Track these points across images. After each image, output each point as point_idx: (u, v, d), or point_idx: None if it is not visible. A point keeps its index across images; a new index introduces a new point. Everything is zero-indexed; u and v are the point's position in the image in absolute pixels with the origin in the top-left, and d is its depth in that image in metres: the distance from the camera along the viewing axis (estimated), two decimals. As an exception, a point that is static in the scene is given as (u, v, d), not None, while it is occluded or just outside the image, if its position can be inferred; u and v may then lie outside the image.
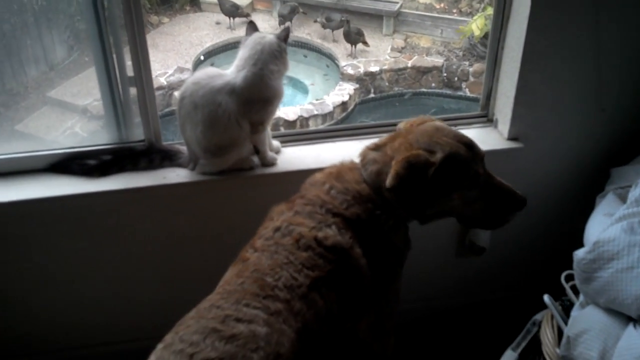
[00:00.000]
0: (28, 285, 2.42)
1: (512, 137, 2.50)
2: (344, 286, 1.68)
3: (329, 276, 1.65)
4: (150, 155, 2.33)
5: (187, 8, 10.07)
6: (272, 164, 2.35)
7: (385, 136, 1.88)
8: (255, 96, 2.17)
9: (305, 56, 9.24)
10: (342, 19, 8.93)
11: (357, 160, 1.87)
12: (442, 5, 9.71)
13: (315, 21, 8.92)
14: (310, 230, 1.70)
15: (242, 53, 2.23)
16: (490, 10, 7.83)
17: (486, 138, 2.54)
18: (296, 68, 8.99)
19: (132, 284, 2.52)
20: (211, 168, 2.29)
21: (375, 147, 1.84)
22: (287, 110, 7.25)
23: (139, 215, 2.37)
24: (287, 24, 2.12)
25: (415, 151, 1.73)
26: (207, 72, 2.23)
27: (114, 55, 2.27)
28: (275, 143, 2.44)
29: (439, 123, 1.89)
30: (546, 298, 2.32)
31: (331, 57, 8.92)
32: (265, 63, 2.18)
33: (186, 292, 2.53)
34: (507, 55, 2.45)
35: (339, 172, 1.82)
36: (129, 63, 2.26)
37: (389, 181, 1.70)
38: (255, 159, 2.34)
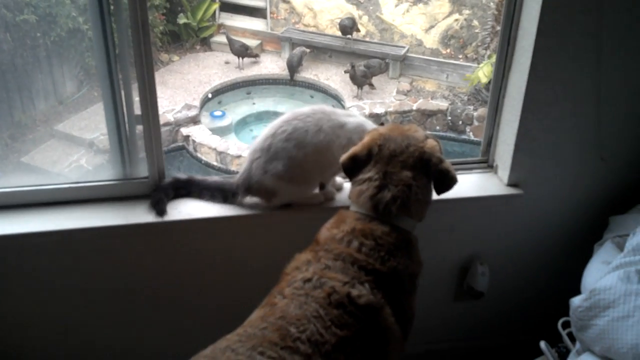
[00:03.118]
0: (27, 317, 2.42)
1: (511, 184, 2.52)
2: (370, 347, 1.67)
3: (357, 336, 1.64)
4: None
5: (197, 47, 10.25)
6: (332, 198, 2.40)
7: (363, 176, 1.87)
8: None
9: (312, 97, 9.36)
10: (385, 62, 9.24)
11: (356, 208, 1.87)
12: (448, 50, 9.85)
13: (346, 71, 9.03)
14: (344, 285, 1.68)
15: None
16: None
17: (486, 184, 2.56)
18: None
19: (133, 319, 2.52)
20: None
21: (379, 187, 1.82)
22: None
23: (140, 251, 2.38)
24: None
25: (433, 144, 1.89)
26: (330, 109, 2.30)
27: (122, 92, 2.31)
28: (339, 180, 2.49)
29: (384, 128, 1.96)
30: (542, 344, 2.32)
31: (337, 98, 9.03)
32: None
33: (189, 332, 2.54)
34: (508, 104, 2.49)
35: (362, 229, 1.79)
36: (136, 99, 2.30)
37: (447, 188, 1.88)
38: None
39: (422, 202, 1.87)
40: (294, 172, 2.20)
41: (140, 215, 2.30)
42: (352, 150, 1.91)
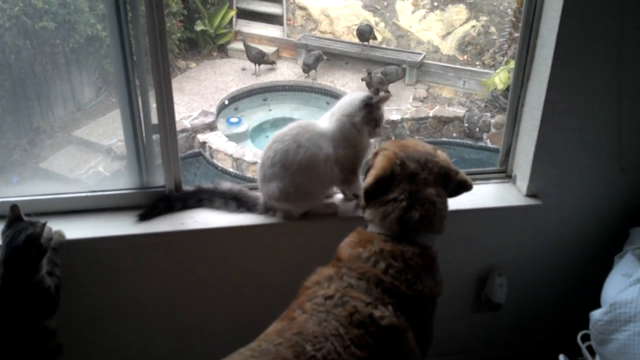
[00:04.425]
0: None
1: (530, 194, 2.50)
2: None
3: (376, 358, 1.60)
4: (227, 200, 2.40)
5: (214, 54, 10.29)
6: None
7: (386, 198, 1.81)
8: (346, 140, 2.20)
9: (328, 103, 9.34)
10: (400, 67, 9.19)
11: (378, 229, 1.83)
12: (465, 57, 9.81)
13: (363, 79, 9.01)
14: (366, 306, 1.64)
15: (333, 109, 2.29)
16: (513, 64, 7.88)
17: (504, 194, 2.54)
18: (318, 114, 9.09)
19: (146, 329, 2.52)
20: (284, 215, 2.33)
21: (406, 208, 1.77)
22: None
23: (156, 259, 2.38)
24: (382, 93, 2.11)
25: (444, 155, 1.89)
26: (306, 122, 2.29)
27: (139, 100, 2.31)
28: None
29: (393, 146, 1.91)
30: (562, 358, 2.29)
31: (353, 105, 9.00)
32: (351, 115, 2.21)
33: (203, 342, 2.53)
34: (527, 113, 2.46)
35: (392, 251, 1.75)
36: (153, 106, 2.30)
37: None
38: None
39: (444, 217, 1.85)
40: (288, 192, 2.20)
41: (156, 224, 2.30)
42: (374, 174, 1.84)
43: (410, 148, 1.88)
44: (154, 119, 2.31)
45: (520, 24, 2.43)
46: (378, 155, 1.91)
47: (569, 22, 2.21)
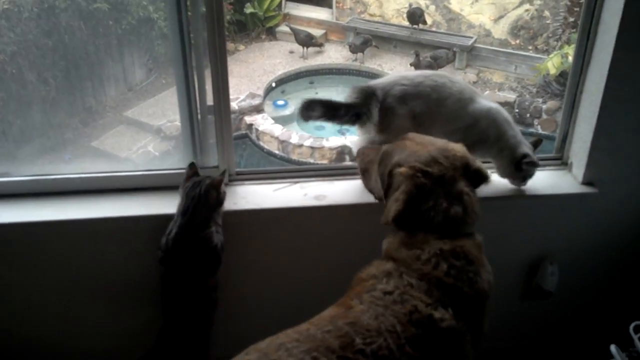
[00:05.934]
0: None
1: (586, 182, 2.45)
2: None
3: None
4: None
5: (263, 37, 10.34)
6: None
7: (425, 206, 1.72)
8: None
9: (376, 87, 9.30)
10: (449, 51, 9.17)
11: None
12: (517, 41, 9.63)
13: (411, 64, 8.95)
14: (427, 306, 1.60)
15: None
16: (567, 49, 7.71)
17: (560, 181, 2.50)
18: (366, 98, 9.06)
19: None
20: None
21: (447, 208, 1.72)
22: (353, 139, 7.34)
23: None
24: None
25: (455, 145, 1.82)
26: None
27: (196, 82, 2.34)
28: None
29: (406, 153, 1.82)
30: (613, 348, 2.26)
31: (401, 89, 8.95)
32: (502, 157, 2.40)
33: (250, 319, 2.57)
34: (585, 100, 2.41)
35: (452, 249, 1.68)
36: (207, 87, 2.33)
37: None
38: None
39: (479, 202, 1.79)
40: (424, 120, 2.22)
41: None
42: (403, 199, 1.72)
43: (422, 151, 1.78)
44: (209, 101, 2.34)
45: (575, 9, 2.38)
46: (394, 175, 1.79)
47: (632, 8, 2.15)
